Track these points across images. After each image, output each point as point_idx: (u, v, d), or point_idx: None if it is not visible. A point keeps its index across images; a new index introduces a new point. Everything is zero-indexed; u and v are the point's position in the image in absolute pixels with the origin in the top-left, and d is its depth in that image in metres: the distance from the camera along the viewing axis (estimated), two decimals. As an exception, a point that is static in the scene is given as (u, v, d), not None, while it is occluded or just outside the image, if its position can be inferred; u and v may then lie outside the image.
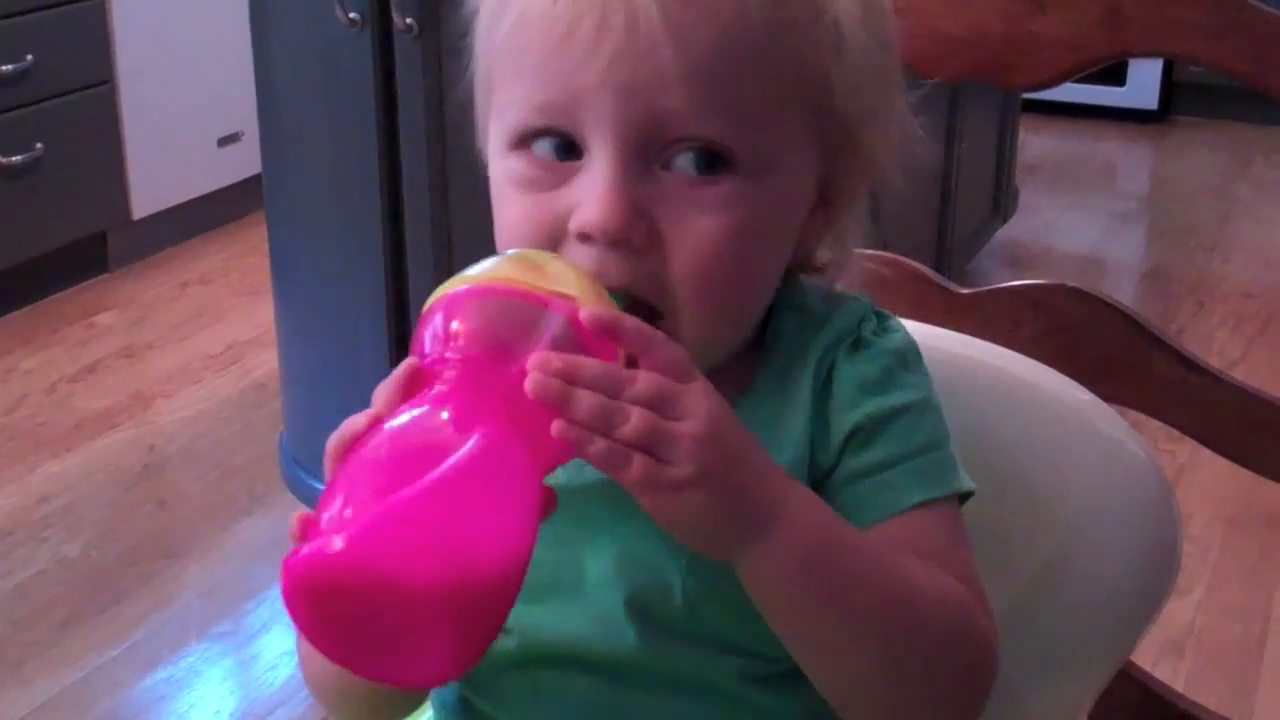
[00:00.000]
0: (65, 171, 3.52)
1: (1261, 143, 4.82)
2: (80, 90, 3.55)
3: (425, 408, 0.66)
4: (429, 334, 0.70)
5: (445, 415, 0.66)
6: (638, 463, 0.67)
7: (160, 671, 2.26)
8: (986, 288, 1.01)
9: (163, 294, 3.67)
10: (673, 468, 0.67)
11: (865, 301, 0.86)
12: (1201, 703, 1.03)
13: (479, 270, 0.71)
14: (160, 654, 2.30)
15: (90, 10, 3.53)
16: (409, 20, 2.05)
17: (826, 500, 0.78)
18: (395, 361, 2.42)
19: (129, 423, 3.03)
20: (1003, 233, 3.82)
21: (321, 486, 2.31)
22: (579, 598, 0.81)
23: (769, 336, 0.83)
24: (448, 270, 2.59)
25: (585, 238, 0.75)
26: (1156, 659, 2.23)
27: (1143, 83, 5.02)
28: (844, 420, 0.80)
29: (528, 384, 0.66)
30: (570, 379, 0.67)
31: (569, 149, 0.76)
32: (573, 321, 0.68)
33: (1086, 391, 0.93)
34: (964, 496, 0.82)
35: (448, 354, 0.68)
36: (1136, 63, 4.95)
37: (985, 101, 3.45)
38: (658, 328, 0.73)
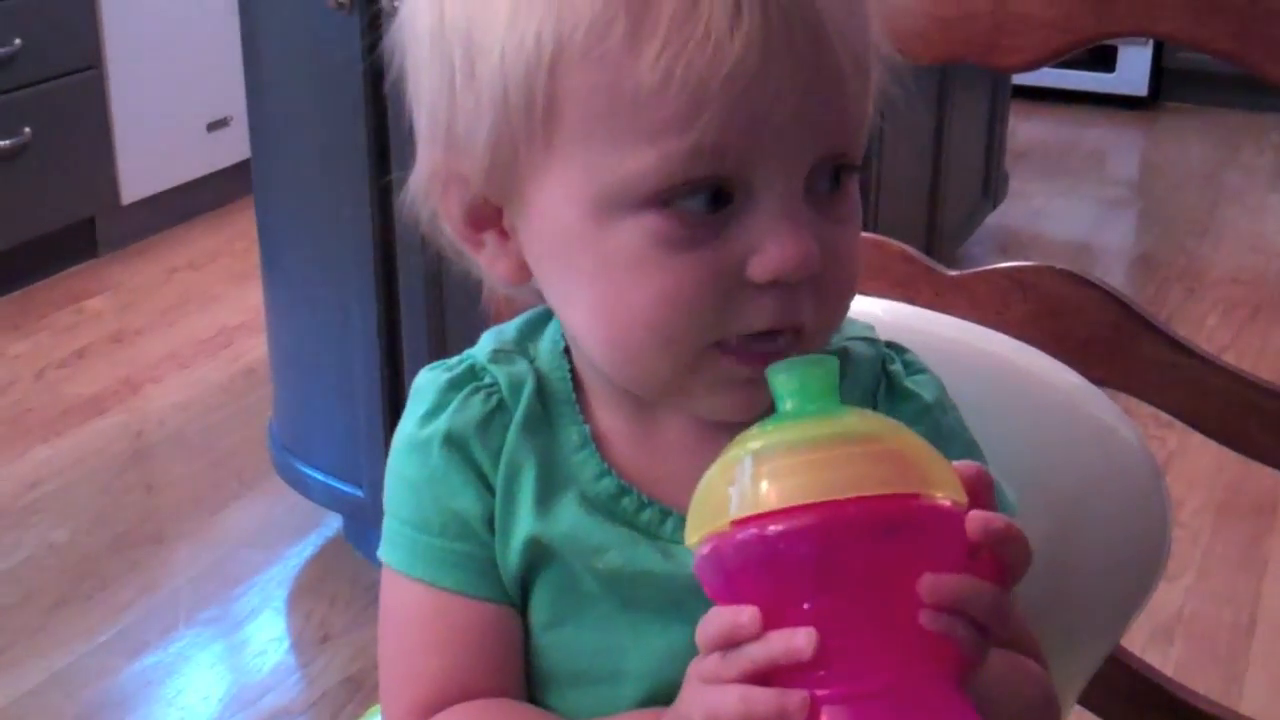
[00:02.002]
0: (54, 156, 3.51)
1: (1251, 129, 4.83)
2: (69, 75, 3.54)
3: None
4: (789, 571, 0.60)
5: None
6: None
7: (149, 657, 2.26)
8: (974, 270, 1.01)
9: (152, 279, 3.66)
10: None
11: (872, 335, 0.83)
12: (1191, 688, 1.03)
13: (841, 473, 0.59)
14: (149, 639, 2.30)
15: (79, -6, 3.53)
16: (396, 3, 2.04)
17: None
18: (384, 347, 2.38)
19: (118, 408, 3.03)
20: (993, 219, 3.82)
21: (310, 471, 2.28)
22: (617, 687, 0.77)
23: None
24: (437, 254, 2.55)
25: (772, 284, 0.68)
26: (1146, 645, 2.24)
27: (1132, 69, 5.02)
28: None
29: (928, 623, 0.60)
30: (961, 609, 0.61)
31: (722, 199, 0.68)
32: (949, 527, 0.62)
33: (1076, 375, 0.92)
34: None
35: (812, 604, 0.60)
36: (1126, 49, 4.96)
37: (975, 87, 3.44)
38: (792, 349, 0.70)
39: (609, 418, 0.79)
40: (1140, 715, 1.02)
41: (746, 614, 0.61)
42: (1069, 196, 4.35)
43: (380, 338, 2.26)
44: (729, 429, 0.69)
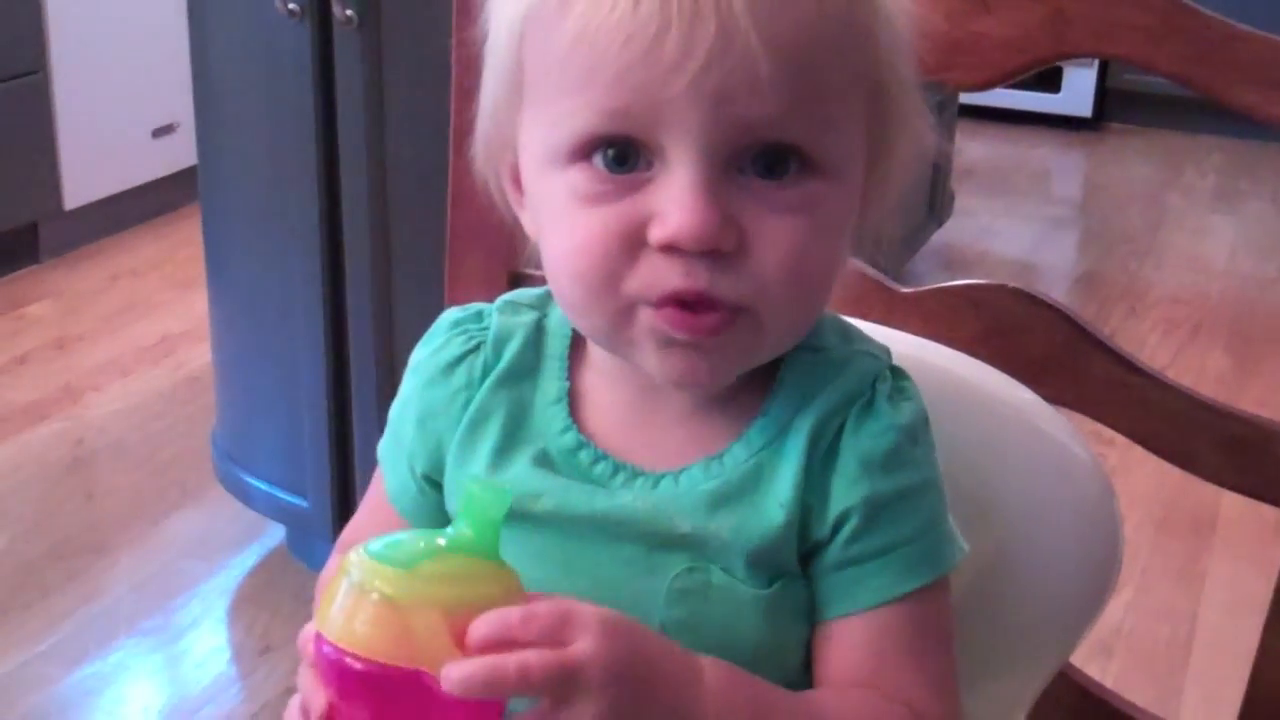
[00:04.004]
0: (-4, 160, 3.48)
1: (1193, 151, 4.88)
2: (12, 79, 3.51)
3: None
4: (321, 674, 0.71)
5: None
6: None
7: (88, 667, 2.24)
8: (927, 287, 1.01)
9: (94, 285, 3.63)
10: None
11: (882, 356, 0.84)
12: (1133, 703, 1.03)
13: (373, 632, 0.68)
14: (88, 649, 2.28)
15: (23, -3, 3.50)
16: (349, 12, 2.04)
17: (815, 577, 0.79)
18: (330, 358, 2.37)
19: (58, 415, 3.00)
20: (938, 236, 3.85)
21: (253, 480, 2.28)
22: None
23: (779, 378, 0.81)
24: (385, 265, 2.55)
25: (670, 248, 0.72)
26: (1086, 659, 2.25)
27: (1077, 90, 5.06)
28: (841, 497, 0.79)
29: None
30: None
31: (630, 159, 0.73)
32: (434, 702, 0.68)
33: (1029, 391, 0.93)
34: None
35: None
36: (1071, 70, 5.00)
37: (922, 105, 3.46)
38: (737, 327, 0.74)
39: (593, 377, 0.84)
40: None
41: (317, 698, 0.70)
42: (1013, 215, 4.38)
43: (326, 347, 2.25)
44: (691, 396, 0.79)
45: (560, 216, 0.75)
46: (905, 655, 0.78)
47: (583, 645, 0.68)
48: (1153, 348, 3.40)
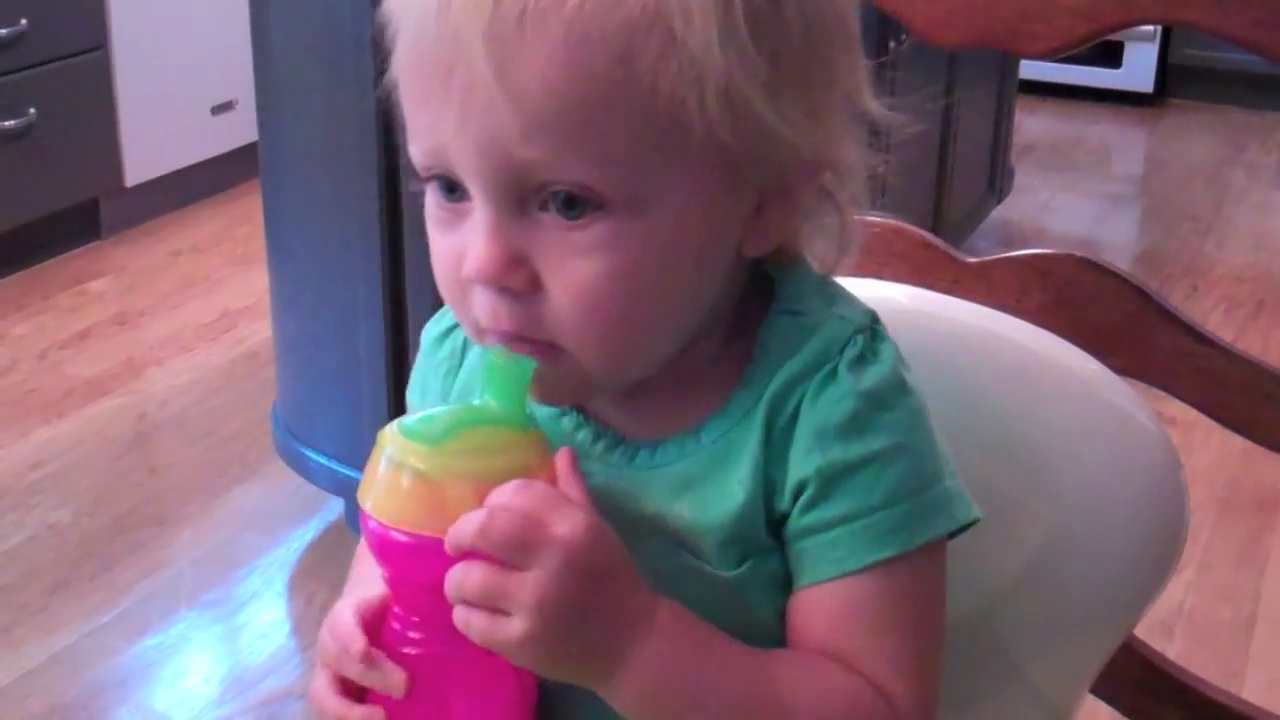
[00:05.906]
0: (58, 137, 3.50)
1: (1256, 127, 4.83)
2: (74, 56, 3.53)
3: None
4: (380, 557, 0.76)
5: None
6: (477, 621, 0.72)
7: (150, 638, 2.26)
8: (993, 256, 1.01)
9: (155, 262, 3.66)
10: (508, 624, 0.71)
11: (854, 319, 0.80)
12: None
13: (406, 507, 0.74)
14: (150, 621, 2.30)
15: (85, -25, 3.52)
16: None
17: (786, 548, 0.78)
18: (390, 332, 2.37)
19: (120, 390, 3.02)
20: (997, 213, 3.82)
21: (312, 454, 2.28)
22: None
23: (757, 348, 0.80)
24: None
25: (479, 284, 0.75)
26: (1146, 638, 2.23)
27: (1138, 65, 5.01)
28: (798, 468, 0.77)
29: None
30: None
31: (457, 190, 0.75)
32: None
33: (1095, 361, 0.92)
34: (967, 525, 0.79)
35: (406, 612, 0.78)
36: (1132, 45, 4.95)
37: (981, 81, 3.44)
38: (560, 361, 0.75)
39: None
40: (1148, 701, 1.03)
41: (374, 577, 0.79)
42: (1073, 192, 4.35)
43: (386, 322, 2.26)
44: (671, 366, 0.79)
45: (429, 228, 0.78)
46: (868, 630, 0.76)
47: (560, 529, 0.71)
48: (1215, 326, 3.37)
